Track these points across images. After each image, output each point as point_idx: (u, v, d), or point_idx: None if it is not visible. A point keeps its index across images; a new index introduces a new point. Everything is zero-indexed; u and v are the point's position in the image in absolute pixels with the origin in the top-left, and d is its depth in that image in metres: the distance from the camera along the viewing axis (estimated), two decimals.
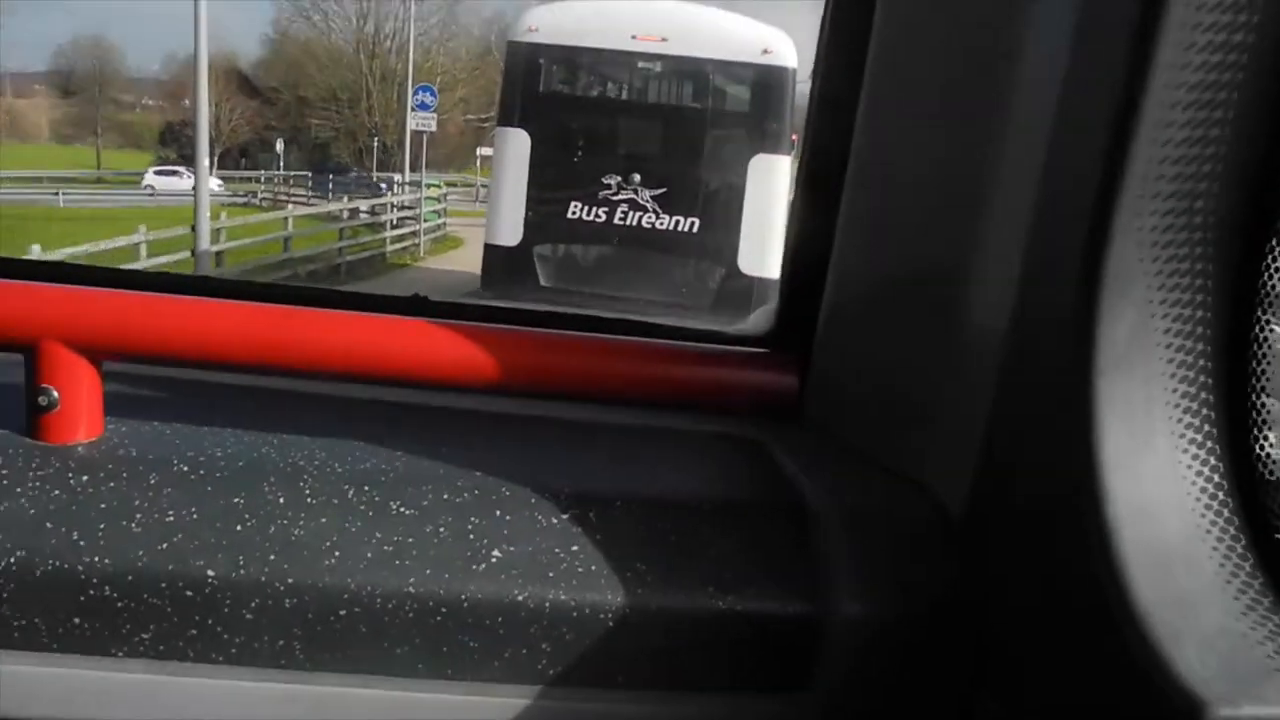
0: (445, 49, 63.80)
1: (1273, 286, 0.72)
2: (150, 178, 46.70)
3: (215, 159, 55.38)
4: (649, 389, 1.07)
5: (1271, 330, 0.72)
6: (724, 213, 10.76)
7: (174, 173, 42.85)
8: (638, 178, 10.62)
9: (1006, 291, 0.83)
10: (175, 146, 62.99)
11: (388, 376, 1.00)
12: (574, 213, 10.80)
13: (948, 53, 0.95)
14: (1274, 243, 0.72)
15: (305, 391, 1.09)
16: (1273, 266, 0.72)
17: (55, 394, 0.93)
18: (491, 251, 11.23)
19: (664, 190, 10.67)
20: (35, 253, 14.51)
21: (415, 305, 1.14)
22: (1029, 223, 0.81)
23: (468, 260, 21.39)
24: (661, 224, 10.70)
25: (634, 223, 10.72)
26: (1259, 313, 0.72)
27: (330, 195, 40.28)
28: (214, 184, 37.28)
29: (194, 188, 18.29)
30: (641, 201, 10.67)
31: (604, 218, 10.77)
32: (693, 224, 10.72)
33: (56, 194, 41.16)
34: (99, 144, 67.49)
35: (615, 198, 10.71)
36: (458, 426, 1.07)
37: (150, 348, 0.95)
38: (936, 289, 0.94)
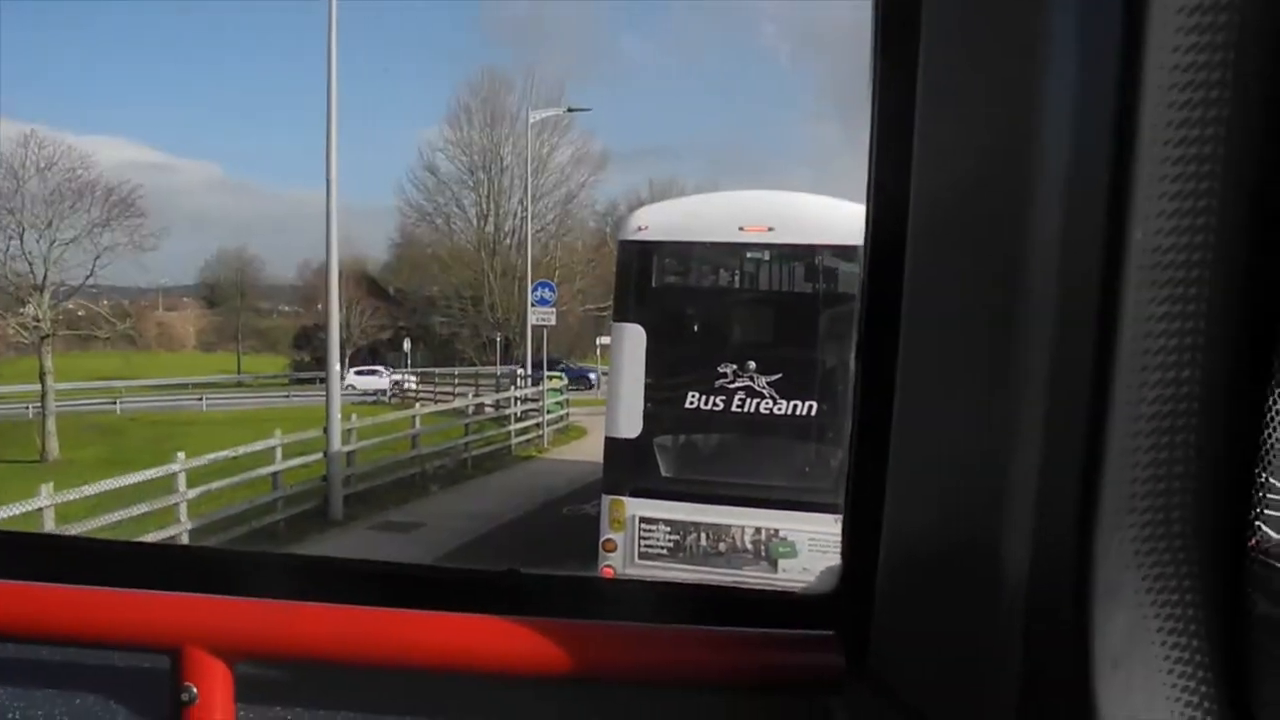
0: (562, 243, 66.50)
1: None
2: (351, 378, 48.64)
3: (346, 359, 57.98)
4: (701, 676, 1.15)
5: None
6: (841, 393, 10.85)
7: (373, 372, 44.70)
8: (753, 364, 10.85)
9: (1018, 587, 0.90)
10: (309, 349, 66.17)
11: (478, 670, 1.13)
12: (692, 402, 11.04)
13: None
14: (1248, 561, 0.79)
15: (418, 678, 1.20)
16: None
17: (195, 690, 1.13)
18: (612, 444, 11.48)
19: (780, 375, 10.85)
20: (180, 459, 15.40)
21: (507, 582, 1.27)
22: (1031, 527, 0.88)
23: (591, 450, 21.74)
24: (780, 409, 10.83)
25: (752, 409, 10.88)
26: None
27: (455, 388, 41.59)
28: (408, 380, 38.75)
29: (326, 389, 19.13)
30: (758, 388, 10.85)
31: (722, 406, 10.97)
32: (810, 407, 10.81)
33: (200, 399, 43.57)
34: (239, 349, 71.50)
35: (732, 385, 10.92)
36: (532, 710, 1.18)
37: (278, 653, 1.13)
38: (978, 566, 0.98)
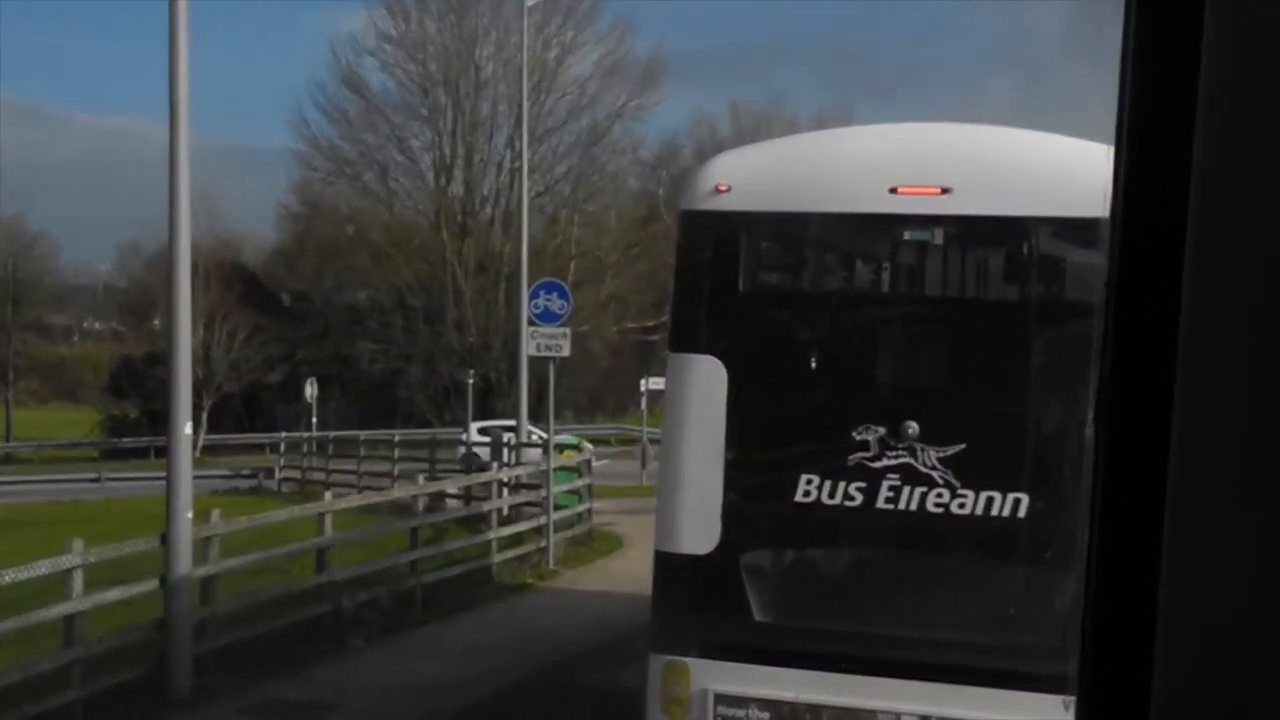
0: (582, 215, 66.94)
1: None
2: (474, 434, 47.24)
3: (204, 413, 58.46)
4: None
5: None
6: (1071, 479, 10.82)
7: (508, 428, 40.99)
8: (914, 428, 10.85)
9: None
10: (137, 397, 66.84)
11: None
12: (807, 493, 11.04)
13: None
14: None
15: None
16: None
17: None
18: (668, 564, 11.51)
19: (963, 446, 10.85)
20: None
21: None
22: None
23: (631, 576, 21.85)
24: (961, 505, 10.81)
25: (911, 505, 10.87)
26: None
27: (395, 464, 41.91)
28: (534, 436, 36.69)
29: (169, 467, 19.30)
30: (924, 468, 10.85)
31: (859, 498, 10.97)
32: (1017, 502, 10.81)
33: None
34: (7, 398, 72.12)
35: (877, 463, 10.92)
36: None
37: None
38: None
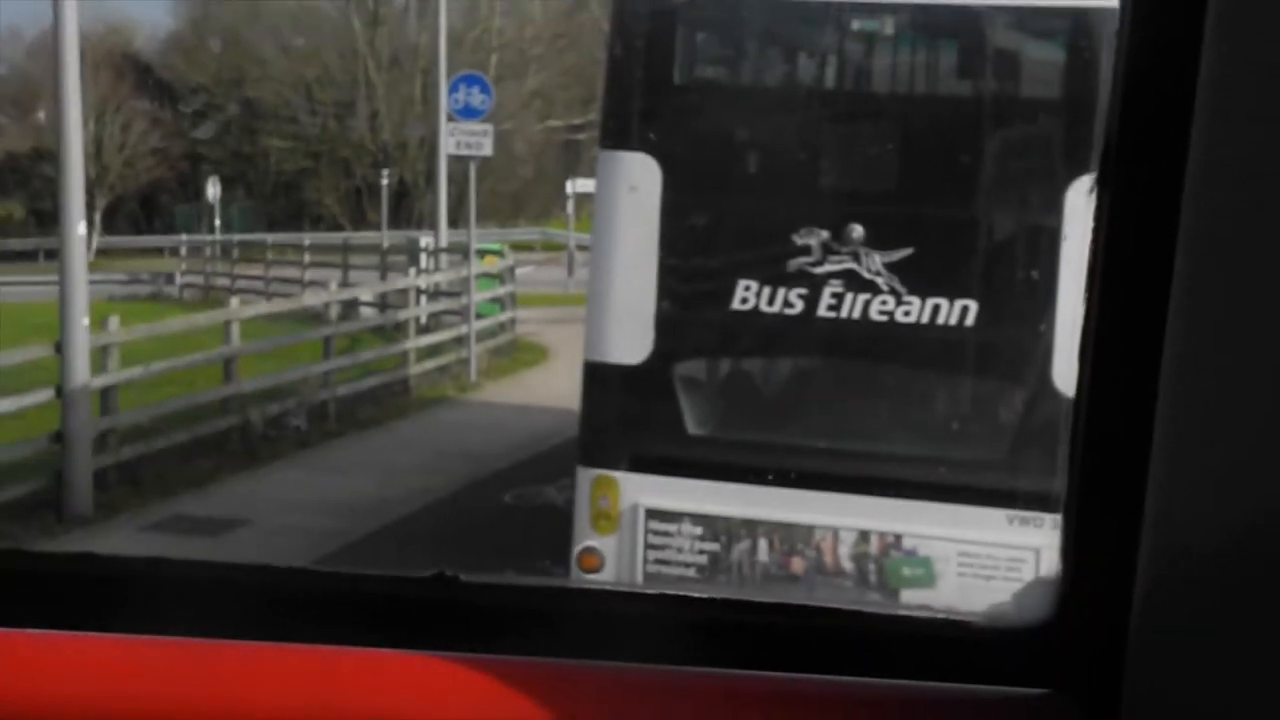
0: (505, 2, 66.07)
1: None
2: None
3: (96, 216, 57.84)
4: None
5: None
6: (1022, 287, 10.91)
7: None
8: (859, 231, 10.88)
9: None
10: (22, 196, 66.01)
11: None
12: (745, 300, 11.09)
13: None
14: None
15: None
16: None
17: None
18: (598, 375, 11.57)
19: (908, 252, 10.90)
20: None
21: (437, 594, 1.38)
22: None
23: (556, 389, 21.84)
24: (906, 313, 10.89)
25: (855, 313, 10.93)
26: None
27: (305, 270, 41.75)
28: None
29: (60, 270, 19.13)
30: (867, 274, 10.90)
31: (800, 305, 11.03)
32: (965, 309, 10.89)
33: None
34: None
35: (819, 269, 10.96)
36: None
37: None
38: None
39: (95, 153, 56.37)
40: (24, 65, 70.59)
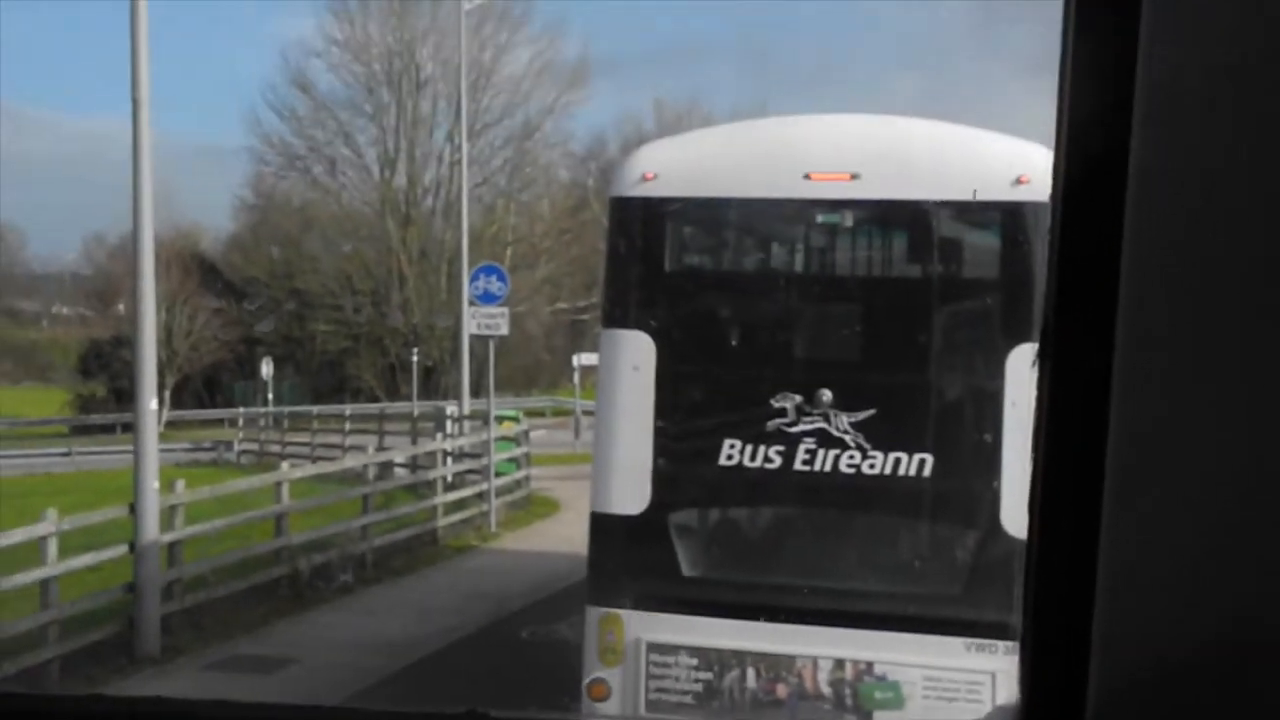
0: (518, 205, 66.79)
1: None
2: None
3: (166, 392, 58.03)
4: None
5: None
6: (972, 441, 10.93)
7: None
8: (828, 395, 10.90)
9: None
10: (104, 376, 66.10)
11: None
12: (730, 457, 11.09)
13: None
14: None
15: None
16: None
17: None
18: (603, 526, 11.53)
19: (873, 412, 10.92)
20: None
21: None
22: None
23: (567, 535, 21.83)
24: (871, 466, 10.88)
25: (826, 466, 10.93)
26: None
27: (346, 437, 41.77)
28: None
29: (136, 441, 19.16)
30: (836, 432, 10.91)
31: (778, 461, 11.02)
32: (922, 462, 10.89)
33: None
34: None
35: (795, 429, 10.97)
36: None
37: None
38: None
39: (166, 339, 56.64)
40: (106, 265, 71.19)
